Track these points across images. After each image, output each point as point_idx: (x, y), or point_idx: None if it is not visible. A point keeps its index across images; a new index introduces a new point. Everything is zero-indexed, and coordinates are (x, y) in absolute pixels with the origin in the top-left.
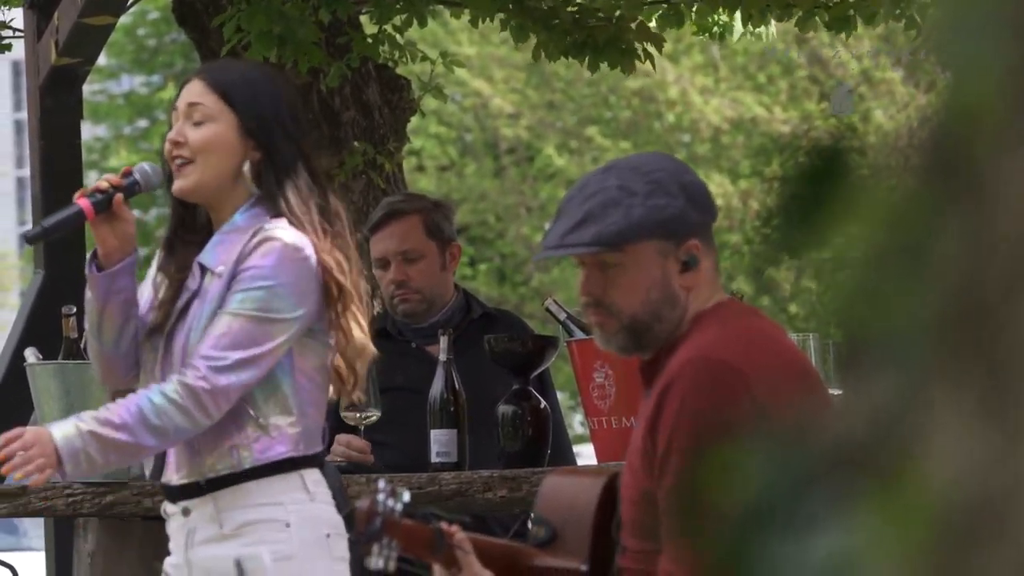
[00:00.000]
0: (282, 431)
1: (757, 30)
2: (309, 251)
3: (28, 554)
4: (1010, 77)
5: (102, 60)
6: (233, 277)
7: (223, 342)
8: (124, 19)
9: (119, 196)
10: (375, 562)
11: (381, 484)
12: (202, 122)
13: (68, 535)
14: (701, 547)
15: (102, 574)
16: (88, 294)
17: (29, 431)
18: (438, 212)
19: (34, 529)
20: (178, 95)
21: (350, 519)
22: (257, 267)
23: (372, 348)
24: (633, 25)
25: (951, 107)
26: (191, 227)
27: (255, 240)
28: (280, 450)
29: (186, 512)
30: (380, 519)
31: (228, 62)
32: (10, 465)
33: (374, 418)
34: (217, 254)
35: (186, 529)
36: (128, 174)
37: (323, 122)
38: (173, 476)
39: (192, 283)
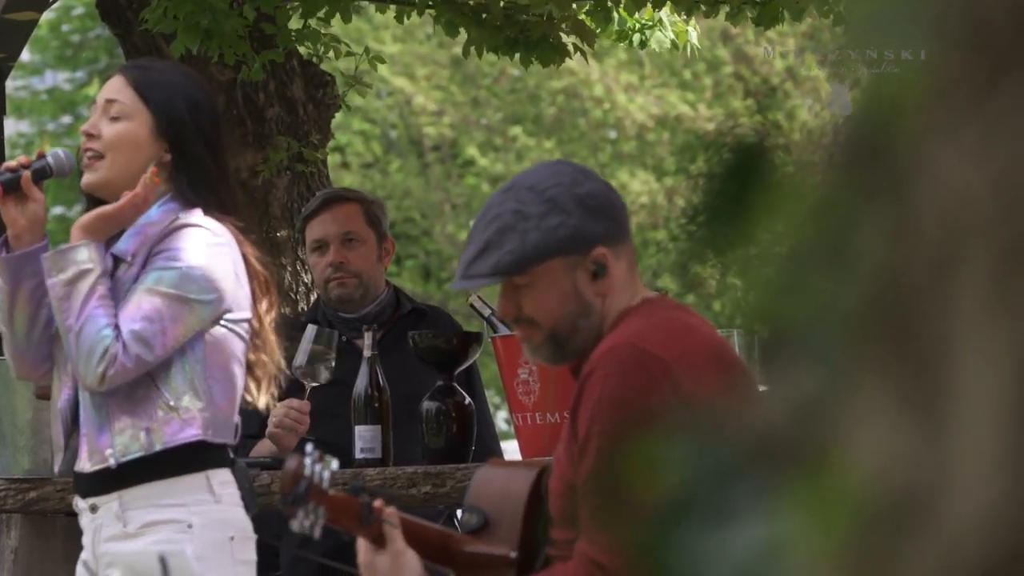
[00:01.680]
0: (192, 415)
1: (676, 38)
2: (227, 238)
3: None
4: (929, 66)
5: (25, 56)
6: (146, 262)
7: (134, 314)
8: (48, 15)
9: (26, 175)
10: (298, 525)
11: (308, 448)
12: (118, 118)
13: None
14: (620, 535)
15: (25, 570)
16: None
17: None
18: (376, 206)
19: None
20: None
21: (261, 519)
22: (172, 249)
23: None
24: (564, 23)
25: (871, 99)
26: None
27: (170, 226)
28: (191, 432)
29: (94, 509)
30: (305, 483)
31: (152, 61)
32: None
33: (321, 382)
34: (130, 243)
35: (94, 525)
36: (41, 156)
37: (247, 118)
38: (86, 464)
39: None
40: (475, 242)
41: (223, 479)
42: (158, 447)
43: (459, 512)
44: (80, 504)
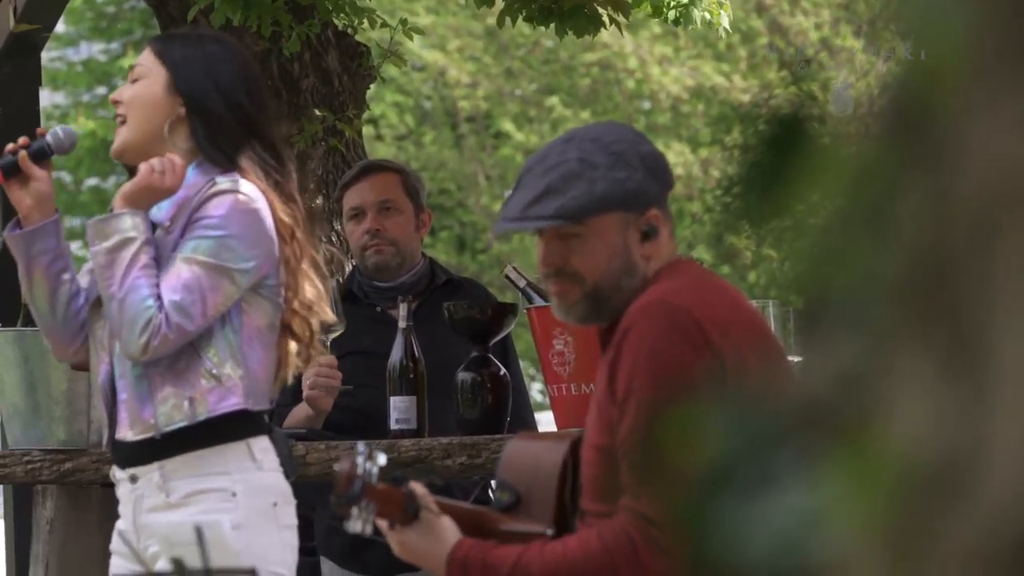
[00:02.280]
0: (234, 382)
1: (711, 15)
2: (261, 203)
3: None
4: (970, 38)
5: (60, 27)
6: (185, 229)
7: (174, 284)
8: None
9: (23, 154)
10: (353, 525)
11: (360, 447)
12: (136, 80)
13: (27, 502)
14: (664, 492)
15: (61, 541)
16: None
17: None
18: (414, 177)
19: None
20: None
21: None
22: (209, 217)
23: (325, 307)
24: None
25: (912, 69)
26: None
27: (207, 192)
28: (233, 401)
29: (134, 479)
30: (360, 482)
31: (181, 30)
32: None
33: (335, 334)
34: (167, 209)
35: (134, 496)
36: (41, 136)
37: (282, 89)
38: (127, 433)
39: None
40: (531, 187)
41: (263, 446)
42: (202, 416)
43: (494, 483)
44: (119, 474)
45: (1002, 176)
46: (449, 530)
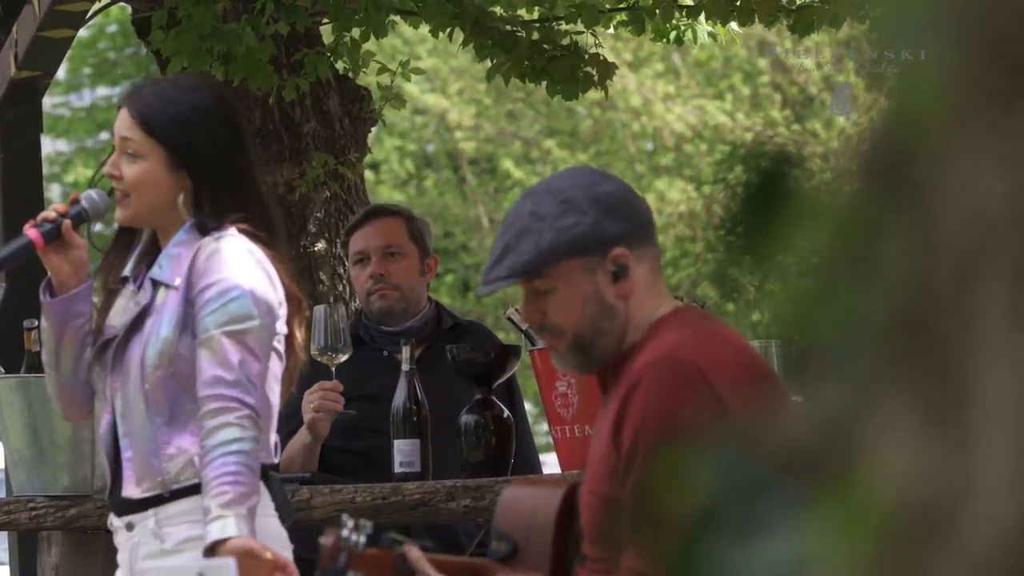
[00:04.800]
0: None
1: (716, 32)
2: (260, 255)
3: None
4: (953, 80)
5: (61, 74)
6: (188, 288)
7: (227, 361)
8: (82, 33)
9: (67, 223)
10: None
11: (344, 519)
12: (135, 156)
13: (32, 549)
14: (656, 549)
15: None
16: (44, 323)
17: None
18: (420, 222)
19: (0, 543)
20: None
21: (297, 535)
22: (215, 282)
23: (303, 356)
24: (591, 49)
25: (895, 111)
26: (128, 242)
27: (206, 252)
28: None
29: (130, 527)
30: (345, 555)
31: (150, 82)
32: None
33: (344, 357)
34: (170, 269)
35: (130, 544)
36: (76, 201)
37: (283, 133)
38: (134, 490)
39: (143, 297)
40: (496, 247)
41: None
42: None
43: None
44: (116, 522)
45: (983, 219)
46: None
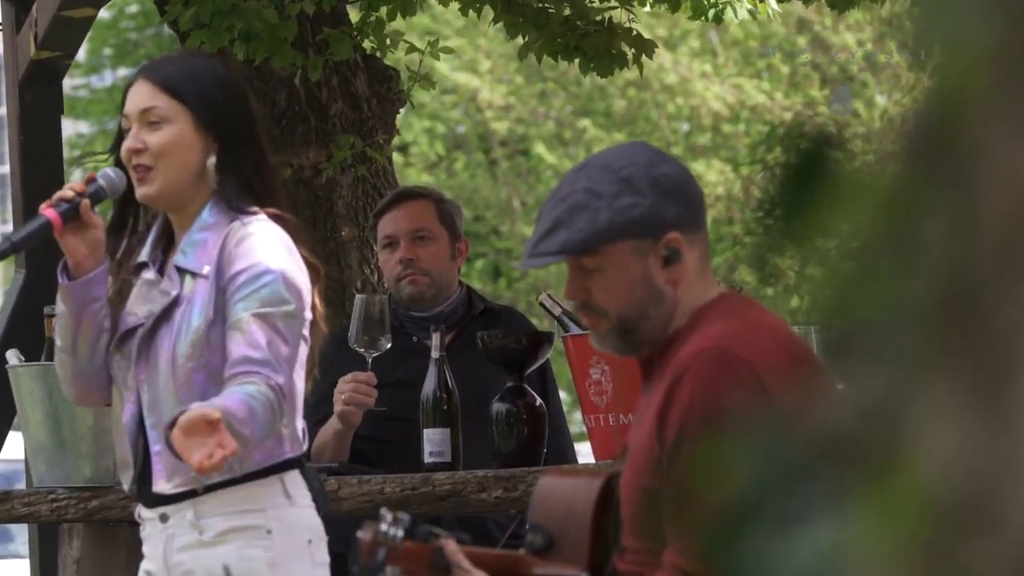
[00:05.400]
0: (280, 434)
1: (756, 9)
2: (288, 240)
3: (14, 561)
4: (997, 57)
5: (82, 55)
6: (219, 275)
7: (256, 342)
8: (103, 13)
9: (86, 203)
10: None
11: (383, 512)
12: (158, 124)
13: (53, 542)
14: (697, 540)
15: None
16: (60, 307)
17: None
18: (450, 204)
19: (21, 535)
20: (124, 100)
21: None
22: (247, 267)
23: (326, 329)
24: (626, 25)
25: (937, 89)
26: (135, 227)
27: (236, 238)
28: (279, 452)
29: (164, 518)
30: (383, 550)
31: (166, 58)
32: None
33: (383, 349)
34: (196, 256)
35: (164, 535)
36: (92, 180)
37: (310, 115)
38: (164, 485)
39: (170, 287)
40: (544, 221)
41: (295, 481)
42: (248, 471)
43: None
44: (145, 513)
45: None
46: None
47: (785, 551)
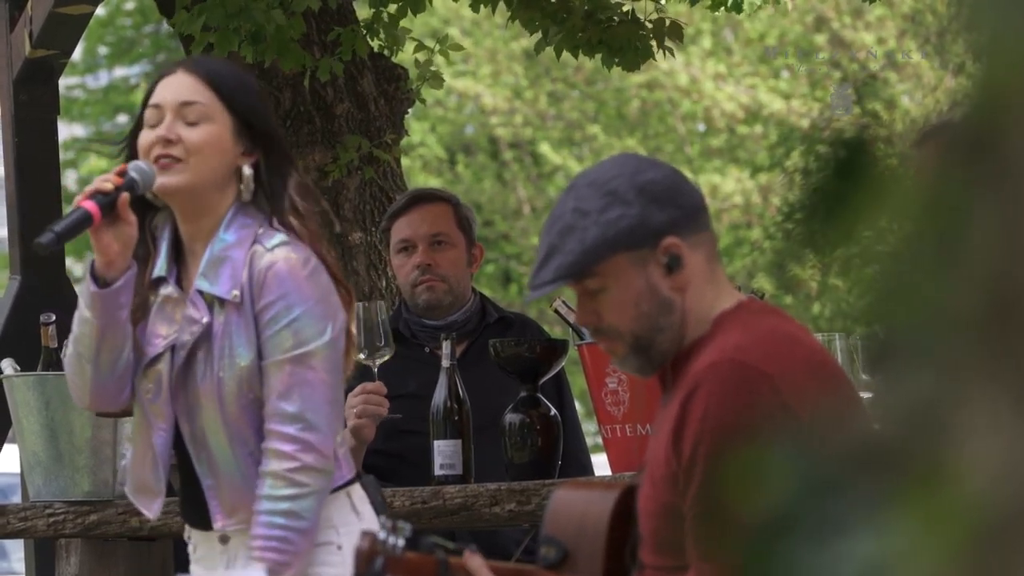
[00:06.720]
0: (338, 456)
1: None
2: (314, 260)
3: None
4: None
5: (78, 54)
6: (251, 302)
7: (285, 392)
8: (99, 10)
9: (124, 196)
10: None
11: (382, 519)
12: (197, 122)
13: (50, 558)
14: (728, 557)
15: None
16: (85, 314)
17: None
18: (466, 208)
19: (17, 551)
20: (152, 89)
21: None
22: (276, 299)
23: (355, 355)
24: (649, 20)
25: (980, 87)
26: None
27: (262, 264)
28: (340, 474)
29: (224, 539)
30: (381, 559)
31: (210, 58)
32: None
33: (385, 357)
34: (220, 281)
35: (226, 557)
36: (124, 173)
37: (315, 115)
38: (226, 522)
39: (197, 314)
40: (541, 249)
41: (360, 495)
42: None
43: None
44: (198, 536)
45: None
46: None
47: (828, 563)
